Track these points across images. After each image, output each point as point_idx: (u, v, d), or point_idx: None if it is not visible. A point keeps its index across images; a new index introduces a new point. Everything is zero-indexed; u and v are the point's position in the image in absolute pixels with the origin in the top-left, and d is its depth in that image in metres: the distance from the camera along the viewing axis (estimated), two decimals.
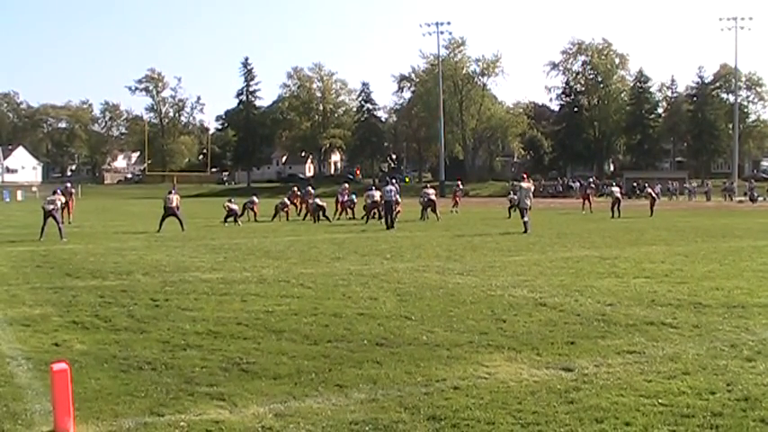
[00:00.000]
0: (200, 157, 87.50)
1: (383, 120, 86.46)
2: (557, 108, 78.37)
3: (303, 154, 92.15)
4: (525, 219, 17.43)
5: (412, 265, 11.04)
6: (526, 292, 8.19)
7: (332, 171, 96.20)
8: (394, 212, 20.12)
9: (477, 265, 10.94)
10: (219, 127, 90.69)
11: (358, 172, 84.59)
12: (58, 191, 17.94)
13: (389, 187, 20.40)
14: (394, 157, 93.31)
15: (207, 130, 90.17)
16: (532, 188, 18.85)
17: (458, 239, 15.96)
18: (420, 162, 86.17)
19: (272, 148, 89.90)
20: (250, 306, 7.44)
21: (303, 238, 16.93)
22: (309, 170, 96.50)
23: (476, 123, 74.76)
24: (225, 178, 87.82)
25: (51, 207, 16.14)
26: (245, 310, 7.19)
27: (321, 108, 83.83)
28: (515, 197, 18.88)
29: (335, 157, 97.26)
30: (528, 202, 17.80)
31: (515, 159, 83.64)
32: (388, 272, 10.15)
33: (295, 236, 17.48)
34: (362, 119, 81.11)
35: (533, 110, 77.80)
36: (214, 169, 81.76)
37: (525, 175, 20.63)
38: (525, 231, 17.02)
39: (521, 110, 76.22)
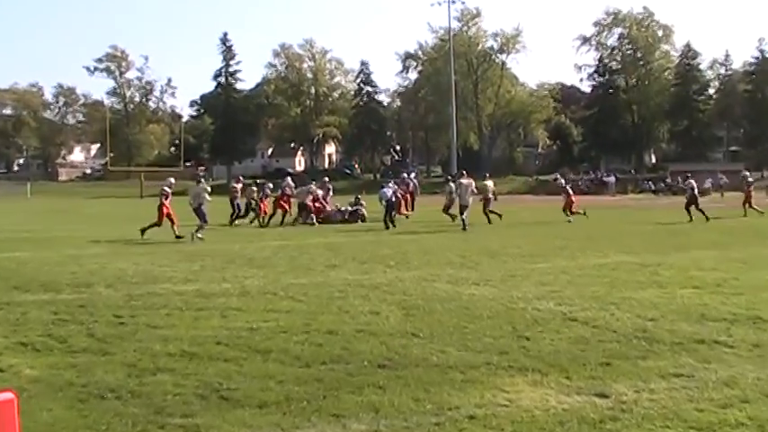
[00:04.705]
0: (172, 149, 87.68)
1: (385, 105, 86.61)
2: (588, 90, 78.54)
3: (293, 145, 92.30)
4: (464, 216, 19.84)
5: (419, 273, 11.06)
6: (553, 305, 8.19)
7: (326, 165, 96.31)
8: (393, 211, 21.52)
9: (496, 273, 10.95)
10: (194, 114, 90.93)
11: (357, 166, 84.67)
12: None
13: (390, 185, 22.50)
14: (398, 148, 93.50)
15: (179, 117, 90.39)
16: (473, 184, 21.35)
17: (472, 244, 15.99)
18: (428, 154, 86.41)
19: (256, 138, 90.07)
20: (231, 322, 7.45)
21: (292, 242, 16.95)
22: (300, 164, 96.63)
23: (493, 108, 74.92)
24: (201, 173, 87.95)
25: None
26: (225, 328, 7.20)
27: (313, 92, 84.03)
28: (455, 195, 21.39)
29: (330, 148, 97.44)
30: (469, 200, 20.34)
31: (540, 150, 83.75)
32: (392, 282, 10.17)
33: (283, 240, 17.52)
34: (361, 104, 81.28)
35: (561, 92, 77.86)
36: (188, 163, 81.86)
37: (465, 172, 23.65)
38: (464, 228, 19.26)
39: (546, 92, 76.29)
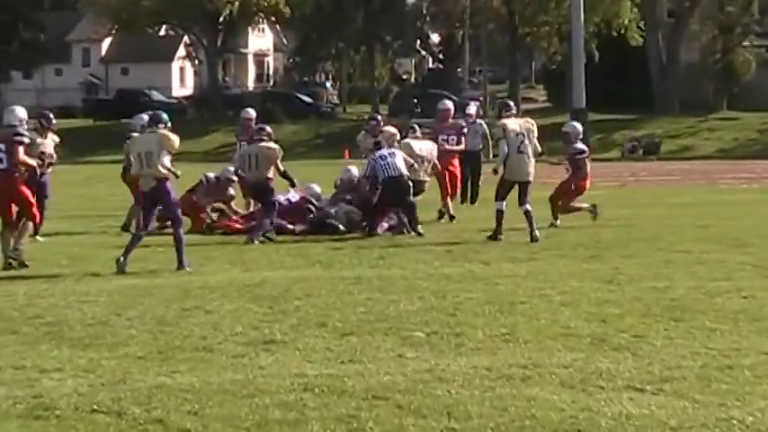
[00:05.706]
0: None
1: None
2: None
3: (163, 32, 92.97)
4: (528, 207, 22.46)
5: (492, 361, 11.12)
6: None
7: (249, 82, 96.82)
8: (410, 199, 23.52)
9: (709, 370, 10.77)
10: None
11: (330, 86, 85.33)
12: None
13: (388, 152, 23.60)
14: (436, 40, 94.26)
15: None
16: (535, 130, 23.51)
17: (630, 283, 16.14)
18: (514, 56, 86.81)
19: (70, 17, 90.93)
20: None
21: (164, 280, 17.20)
22: (180, 79, 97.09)
23: None
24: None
25: None
26: None
27: None
28: (505, 151, 22.77)
29: (261, 41, 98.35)
30: (530, 167, 22.70)
31: None
32: (421, 383, 10.18)
33: (144, 276, 17.69)
34: None
35: None
36: None
37: (511, 103, 25.80)
38: (537, 234, 22.10)
39: None
